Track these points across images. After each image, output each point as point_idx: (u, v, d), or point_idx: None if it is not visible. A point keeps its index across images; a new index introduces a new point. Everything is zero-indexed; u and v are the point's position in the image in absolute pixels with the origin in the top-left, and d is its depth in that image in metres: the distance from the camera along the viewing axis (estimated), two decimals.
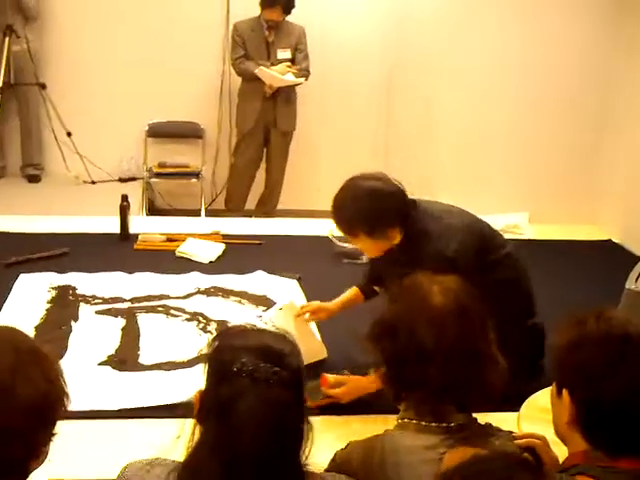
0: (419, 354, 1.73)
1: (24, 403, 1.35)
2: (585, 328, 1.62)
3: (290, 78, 5.84)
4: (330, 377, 2.77)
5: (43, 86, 6.00)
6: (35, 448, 1.40)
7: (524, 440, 1.82)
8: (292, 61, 5.96)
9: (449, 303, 1.78)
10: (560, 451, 1.80)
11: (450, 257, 2.65)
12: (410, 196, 2.81)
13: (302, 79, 5.92)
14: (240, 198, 6.30)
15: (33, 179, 6.30)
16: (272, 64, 5.88)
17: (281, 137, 6.10)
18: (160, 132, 6.46)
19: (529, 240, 4.78)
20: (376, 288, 3.12)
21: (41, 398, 1.38)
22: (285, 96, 5.99)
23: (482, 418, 1.85)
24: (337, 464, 1.88)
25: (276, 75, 5.80)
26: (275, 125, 6.03)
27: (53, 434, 1.43)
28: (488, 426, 1.85)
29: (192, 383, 2.66)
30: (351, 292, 3.16)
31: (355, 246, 2.96)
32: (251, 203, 6.38)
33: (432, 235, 2.71)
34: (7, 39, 5.71)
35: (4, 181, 6.25)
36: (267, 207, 6.30)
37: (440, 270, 2.57)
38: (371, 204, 2.71)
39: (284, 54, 5.95)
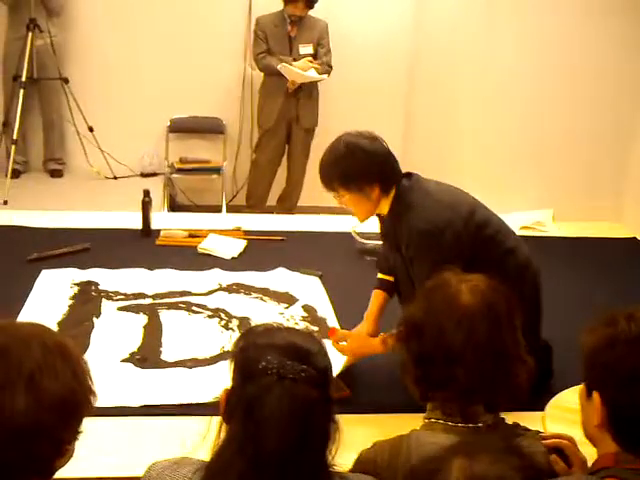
0: (447, 354, 1.71)
1: (51, 399, 1.35)
2: (616, 329, 1.59)
3: (312, 74, 5.83)
4: (339, 330, 2.86)
5: (66, 81, 6.02)
6: (61, 446, 1.39)
7: (552, 441, 1.80)
8: (314, 56, 5.94)
9: (477, 302, 1.75)
10: (588, 452, 1.78)
11: (424, 230, 2.62)
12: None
13: (325, 75, 5.91)
14: (261, 195, 6.29)
15: (55, 174, 6.33)
16: (294, 59, 5.88)
17: (303, 134, 6.09)
18: (182, 127, 6.47)
19: (553, 237, 4.75)
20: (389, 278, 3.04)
21: (68, 395, 1.37)
22: (307, 92, 5.99)
23: (507, 416, 1.83)
24: (362, 464, 1.87)
25: (299, 71, 5.79)
26: (297, 122, 6.02)
27: (79, 432, 1.42)
28: (516, 426, 1.84)
29: (214, 380, 2.72)
30: (375, 300, 3.00)
31: (342, 205, 2.90)
32: (272, 200, 6.38)
33: (416, 208, 2.69)
34: (30, 33, 5.72)
35: (27, 176, 6.27)
36: (288, 204, 6.29)
37: (416, 245, 2.58)
38: (347, 155, 2.71)
39: (306, 49, 5.94)
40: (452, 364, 1.71)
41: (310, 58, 5.90)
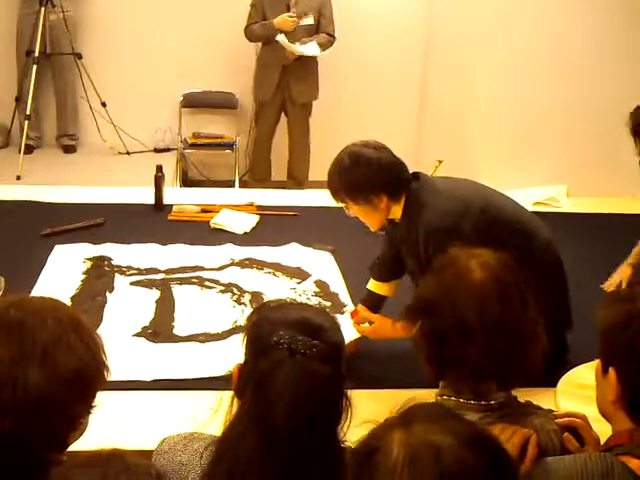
0: (461, 332, 1.69)
1: (66, 373, 1.35)
2: (634, 305, 1.58)
3: (312, 50, 5.73)
4: (361, 311, 2.83)
5: (79, 56, 6.01)
6: (75, 419, 1.39)
7: (565, 419, 1.78)
8: (316, 28, 5.83)
9: (489, 278, 1.73)
10: (601, 429, 1.77)
11: (442, 227, 2.58)
12: (423, 173, 2.76)
13: (324, 51, 5.80)
14: (263, 169, 6.29)
15: (69, 149, 6.33)
16: (293, 30, 5.74)
17: (299, 108, 6.04)
18: (195, 102, 6.45)
19: (566, 213, 4.71)
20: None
21: (82, 369, 1.38)
22: (304, 66, 5.89)
23: (518, 394, 1.82)
24: None
25: (294, 48, 5.70)
26: (293, 96, 5.96)
27: (93, 406, 1.42)
28: (528, 404, 1.82)
29: (226, 355, 2.72)
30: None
31: (352, 216, 2.88)
32: (283, 175, 6.37)
33: (430, 207, 2.65)
34: (43, 9, 5.71)
35: (40, 151, 6.28)
36: (297, 179, 6.26)
37: (435, 243, 2.55)
38: (351, 166, 2.67)
39: (307, 20, 5.81)
40: (465, 341, 1.69)
41: (289, 13, 5.69)
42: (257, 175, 6.31)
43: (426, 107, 6.41)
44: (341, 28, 5.96)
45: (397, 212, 2.72)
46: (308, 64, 5.93)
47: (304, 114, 6.11)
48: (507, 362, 1.71)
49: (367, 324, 2.83)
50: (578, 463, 1.53)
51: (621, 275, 3.64)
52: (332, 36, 5.86)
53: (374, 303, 2.99)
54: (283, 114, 6.17)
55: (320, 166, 6.09)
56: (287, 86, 5.94)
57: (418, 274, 2.73)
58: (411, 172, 2.76)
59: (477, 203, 2.69)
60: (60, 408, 1.35)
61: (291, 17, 5.70)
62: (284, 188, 5.89)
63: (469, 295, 1.71)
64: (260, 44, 6.02)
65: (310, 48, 5.75)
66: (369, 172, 2.66)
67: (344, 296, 3.39)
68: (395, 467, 1.09)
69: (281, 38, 5.67)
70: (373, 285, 3.01)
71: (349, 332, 2.78)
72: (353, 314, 2.83)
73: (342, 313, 3.20)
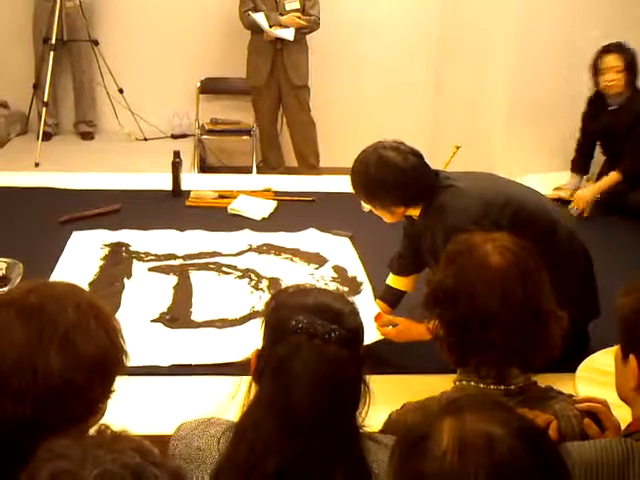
0: (482, 318, 1.68)
1: (85, 359, 1.35)
2: None
3: (284, 34, 5.79)
4: (384, 315, 2.79)
5: (96, 42, 6.02)
6: (94, 405, 1.39)
7: (585, 404, 1.77)
8: (302, 11, 5.91)
9: (507, 262, 1.72)
10: (620, 414, 1.75)
11: (463, 227, 2.43)
12: (440, 170, 2.73)
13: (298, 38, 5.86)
14: (275, 156, 6.33)
15: (86, 136, 6.35)
16: (281, 14, 5.83)
17: (295, 90, 6.06)
18: (212, 88, 6.45)
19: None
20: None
21: (102, 354, 1.37)
22: (294, 48, 5.94)
23: (538, 379, 1.81)
24: (391, 425, 1.85)
25: (270, 30, 5.78)
26: (287, 78, 5.99)
27: (112, 391, 1.42)
28: (548, 389, 1.80)
29: (244, 341, 2.72)
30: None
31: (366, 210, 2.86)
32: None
33: (450, 207, 2.60)
34: None
35: (58, 138, 6.30)
36: (308, 162, 6.28)
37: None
38: (376, 174, 2.61)
39: (292, 5, 5.89)
40: (488, 327, 1.67)
41: (298, 14, 5.85)
42: (270, 164, 6.34)
43: (442, 91, 6.37)
44: (356, 10, 5.95)
45: (415, 211, 2.70)
46: (301, 47, 5.99)
47: (303, 95, 6.13)
48: (529, 343, 1.69)
49: (391, 327, 2.80)
50: (598, 448, 1.52)
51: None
52: (317, 17, 5.94)
53: (393, 298, 2.98)
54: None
55: (330, 152, 6.14)
56: (282, 69, 5.98)
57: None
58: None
59: (497, 200, 2.65)
60: (80, 393, 1.35)
61: (299, 17, 5.83)
62: (299, 174, 5.89)
63: (490, 281, 1.69)
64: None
65: (285, 32, 5.81)
66: (391, 184, 2.61)
67: (362, 278, 3.39)
68: (445, 454, 1.08)
69: (260, 19, 5.74)
70: (392, 280, 3.00)
71: (368, 325, 2.77)
72: (377, 317, 2.77)
73: (359, 292, 3.21)
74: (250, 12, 5.83)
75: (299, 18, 5.83)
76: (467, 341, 1.72)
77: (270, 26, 5.79)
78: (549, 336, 1.71)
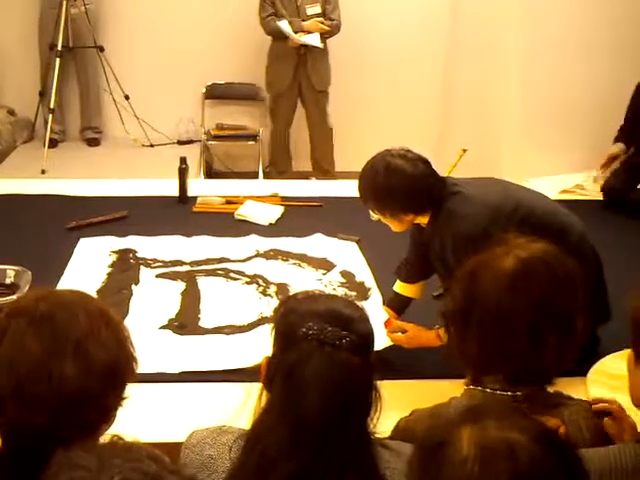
0: (504, 330, 1.65)
1: (98, 366, 1.35)
2: None
3: (311, 41, 5.78)
4: (394, 321, 2.77)
5: (101, 49, 6.02)
6: (108, 412, 1.40)
7: (602, 405, 1.75)
8: (323, 15, 5.89)
9: (539, 275, 1.68)
10: (635, 418, 1.75)
11: (471, 235, 2.49)
12: (448, 177, 2.71)
13: (320, 43, 5.85)
14: (284, 160, 6.33)
15: (92, 142, 6.35)
16: (303, 20, 5.83)
17: (316, 95, 6.07)
18: (218, 94, 6.46)
19: (594, 200, 4.65)
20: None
21: (113, 361, 1.38)
22: (316, 54, 5.93)
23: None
24: (400, 432, 1.84)
25: (297, 37, 5.77)
26: (309, 84, 5.99)
27: (123, 398, 1.42)
28: (558, 395, 1.78)
29: (252, 347, 2.71)
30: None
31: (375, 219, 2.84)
32: (306, 165, 6.37)
33: (458, 215, 2.59)
34: (65, 2, 5.73)
35: (64, 145, 6.31)
36: (323, 169, 6.28)
37: (463, 250, 2.49)
38: (384, 183, 2.60)
39: (314, 9, 5.88)
40: (510, 339, 1.64)
41: (320, 19, 5.84)
42: (279, 167, 6.34)
43: (450, 93, 6.36)
44: (366, 16, 5.95)
45: (424, 219, 2.69)
46: (323, 52, 5.98)
47: (322, 101, 6.12)
48: (553, 358, 1.65)
49: (400, 333, 2.78)
50: (611, 455, 1.51)
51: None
52: (338, 21, 5.93)
53: (400, 305, 2.96)
54: (300, 104, 6.20)
55: (345, 157, 6.13)
56: (305, 75, 5.97)
57: (449, 279, 2.69)
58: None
59: (506, 206, 2.64)
60: (94, 401, 1.35)
61: (322, 22, 5.83)
62: (306, 179, 5.88)
63: (511, 289, 1.66)
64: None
65: (311, 38, 5.81)
66: (400, 191, 2.59)
67: (370, 283, 3.38)
68: (465, 462, 1.07)
69: (285, 27, 5.72)
70: (399, 287, 2.98)
71: (377, 328, 2.74)
72: (387, 324, 2.76)
73: (367, 298, 3.19)
74: (273, 18, 5.82)
75: (322, 23, 5.82)
76: (490, 353, 1.68)
77: (294, 32, 5.79)
78: (570, 349, 1.67)
